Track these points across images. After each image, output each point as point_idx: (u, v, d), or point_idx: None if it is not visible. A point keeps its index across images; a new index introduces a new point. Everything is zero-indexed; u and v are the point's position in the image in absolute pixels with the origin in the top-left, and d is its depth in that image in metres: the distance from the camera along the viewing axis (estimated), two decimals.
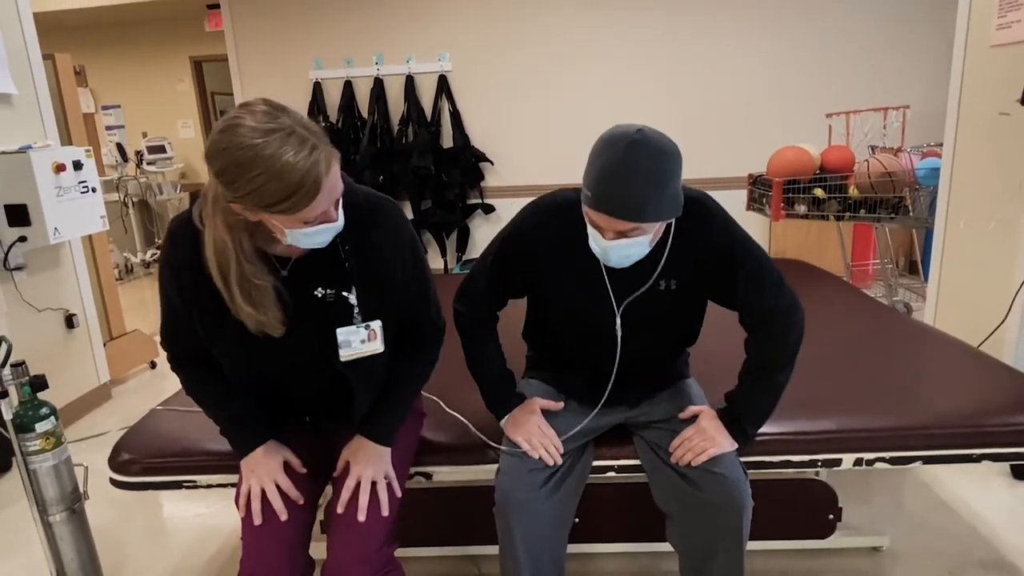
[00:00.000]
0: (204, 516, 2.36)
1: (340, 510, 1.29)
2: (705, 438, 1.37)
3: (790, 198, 3.51)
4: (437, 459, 1.64)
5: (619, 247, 1.21)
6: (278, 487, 1.29)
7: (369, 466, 1.32)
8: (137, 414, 3.18)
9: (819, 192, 3.46)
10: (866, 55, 4.79)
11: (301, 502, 1.31)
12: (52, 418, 1.70)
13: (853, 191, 3.43)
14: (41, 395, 1.71)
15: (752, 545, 1.89)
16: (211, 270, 1.13)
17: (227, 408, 1.36)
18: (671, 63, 4.86)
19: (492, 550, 1.97)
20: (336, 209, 1.14)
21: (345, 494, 1.29)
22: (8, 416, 1.66)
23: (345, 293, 1.25)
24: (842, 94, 4.79)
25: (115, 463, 1.69)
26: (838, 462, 1.58)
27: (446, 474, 1.66)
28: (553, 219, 1.37)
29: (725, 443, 1.37)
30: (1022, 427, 1.57)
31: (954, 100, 2.90)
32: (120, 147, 6.68)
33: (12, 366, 1.67)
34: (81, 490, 1.79)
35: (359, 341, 1.26)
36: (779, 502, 1.86)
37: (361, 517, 1.27)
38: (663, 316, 1.41)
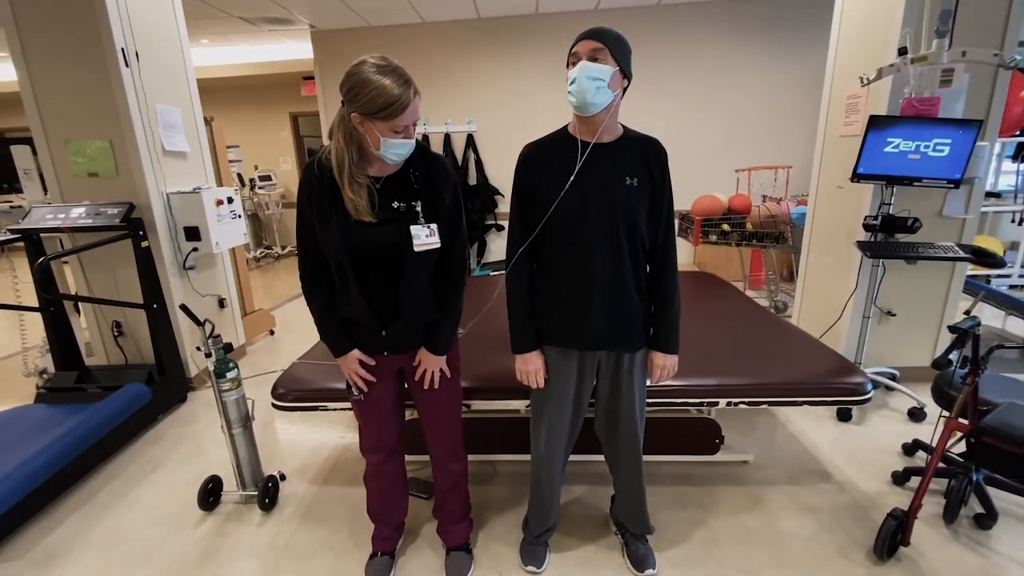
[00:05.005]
0: (317, 434, 2.60)
1: (423, 385, 1.50)
2: (666, 368, 1.49)
3: (706, 230, 3.78)
4: (473, 396, 1.87)
5: (589, 67, 1.23)
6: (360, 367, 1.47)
7: (431, 363, 1.48)
8: (265, 366, 3.51)
9: (726, 227, 3.72)
10: (764, 127, 4.93)
11: (373, 378, 1.47)
12: (236, 370, 1.98)
13: (749, 226, 3.71)
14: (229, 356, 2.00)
15: (665, 458, 2.21)
16: (332, 165, 1.27)
17: (329, 323, 1.43)
18: (639, 127, 5.04)
19: (506, 458, 2.28)
20: (413, 130, 1.27)
21: (425, 378, 1.49)
22: (211, 367, 1.97)
23: (414, 203, 1.34)
24: (746, 155, 4.96)
25: (275, 394, 1.94)
26: (716, 403, 1.85)
27: (479, 405, 1.89)
28: (540, 144, 1.42)
29: (675, 362, 1.50)
30: (829, 385, 1.85)
31: (816, 170, 3.14)
32: (239, 176, 6.83)
33: (212, 337, 1.96)
34: (251, 414, 2.06)
35: (424, 236, 1.33)
36: (685, 430, 2.11)
37: (426, 386, 1.50)
38: (632, 211, 1.34)
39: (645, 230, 1.40)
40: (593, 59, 1.25)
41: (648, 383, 1.58)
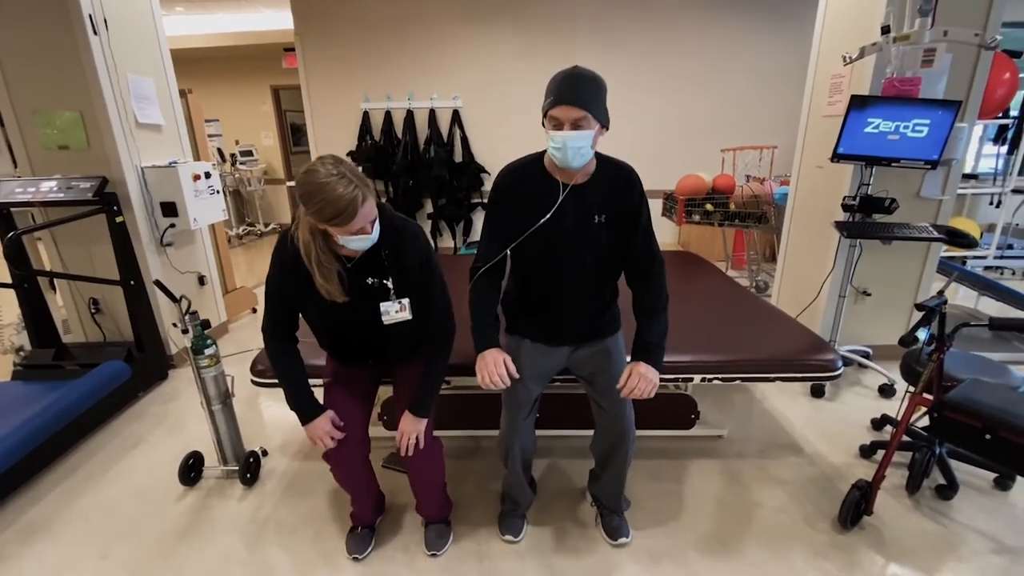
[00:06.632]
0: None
1: (401, 452, 1.53)
2: (645, 380, 1.40)
3: (689, 210, 3.80)
4: (455, 372, 1.81)
5: (573, 138, 1.22)
6: (333, 428, 1.53)
7: (411, 429, 1.51)
8: (246, 344, 3.50)
9: (709, 207, 3.74)
10: (751, 107, 4.92)
11: (340, 436, 1.52)
12: (214, 346, 1.97)
13: (732, 206, 3.73)
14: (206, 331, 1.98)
15: (645, 432, 2.26)
16: (302, 255, 1.33)
17: (295, 386, 1.51)
18: (625, 106, 5.01)
19: (487, 433, 2.31)
20: (372, 226, 1.30)
21: (402, 443, 1.51)
22: (188, 344, 1.96)
23: (385, 280, 1.42)
24: (733, 134, 4.94)
25: (254, 371, 1.93)
26: (691, 379, 1.88)
27: (459, 382, 1.88)
28: (516, 174, 1.41)
29: (655, 378, 1.42)
30: (801, 362, 1.88)
31: (798, 150, 3.15)
32: (219, 151, 6.67)
33: (190, 314, 1.95)
34: (230, 391, 2.07)
35: (395, 311, 1.43)
36: (662, 406, 2.14)
37: (403, 452, 1.53)
38: (598, 245, 1.39)
39: (618, 256, 1.45)
40: (577, 127, 1.23)
41: (619, 387, 1.45)
